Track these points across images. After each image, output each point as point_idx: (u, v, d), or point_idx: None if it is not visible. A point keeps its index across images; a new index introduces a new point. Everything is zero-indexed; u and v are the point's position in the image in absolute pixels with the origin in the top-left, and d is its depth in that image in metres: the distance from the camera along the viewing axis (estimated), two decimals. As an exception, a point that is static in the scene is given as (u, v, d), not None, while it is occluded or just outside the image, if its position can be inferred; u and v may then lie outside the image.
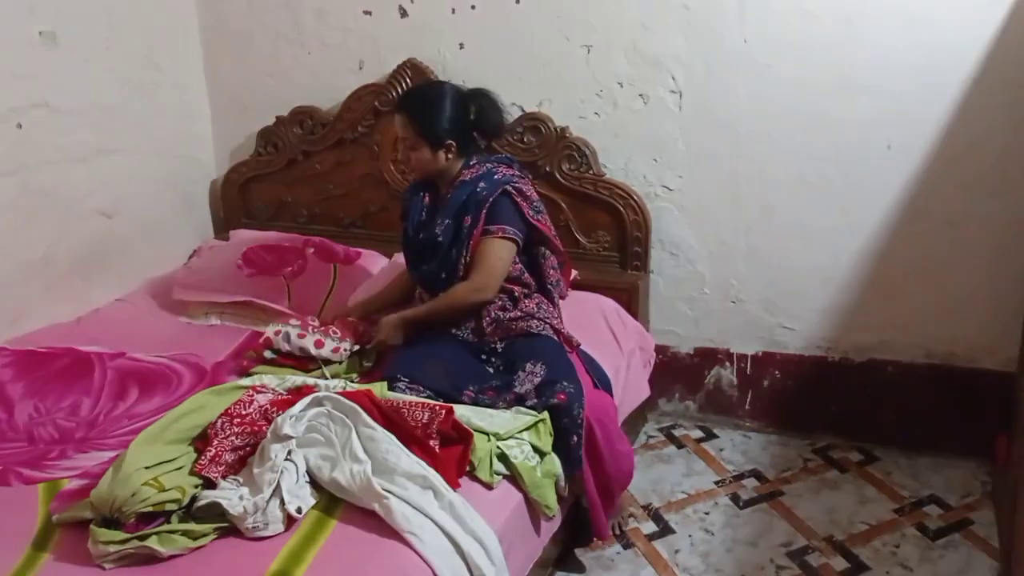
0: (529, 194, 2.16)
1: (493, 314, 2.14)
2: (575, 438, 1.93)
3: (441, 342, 2.13)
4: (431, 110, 2.09)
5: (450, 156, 2.13)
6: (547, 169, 2.71)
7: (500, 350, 2.12)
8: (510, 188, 2.11)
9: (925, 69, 2.38)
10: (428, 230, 2.15)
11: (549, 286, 2.24)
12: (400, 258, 2.53)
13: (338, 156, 2.97)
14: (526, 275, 2.20)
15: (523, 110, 2.75)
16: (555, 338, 2.15)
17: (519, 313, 2.15)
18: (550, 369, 2.01)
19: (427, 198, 2.21)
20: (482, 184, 2.11)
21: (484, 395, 2.01)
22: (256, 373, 2.13)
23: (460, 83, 2.74)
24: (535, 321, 2.14)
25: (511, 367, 2.06)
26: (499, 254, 2.10)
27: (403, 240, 2.25)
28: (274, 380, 1.97)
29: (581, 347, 2.21)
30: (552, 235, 2.21)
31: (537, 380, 2.00)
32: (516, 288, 2.18)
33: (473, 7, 2.73)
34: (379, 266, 2.76)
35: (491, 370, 2.10)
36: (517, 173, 2.18)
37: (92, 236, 2.70)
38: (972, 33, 2.32)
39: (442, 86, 2.21)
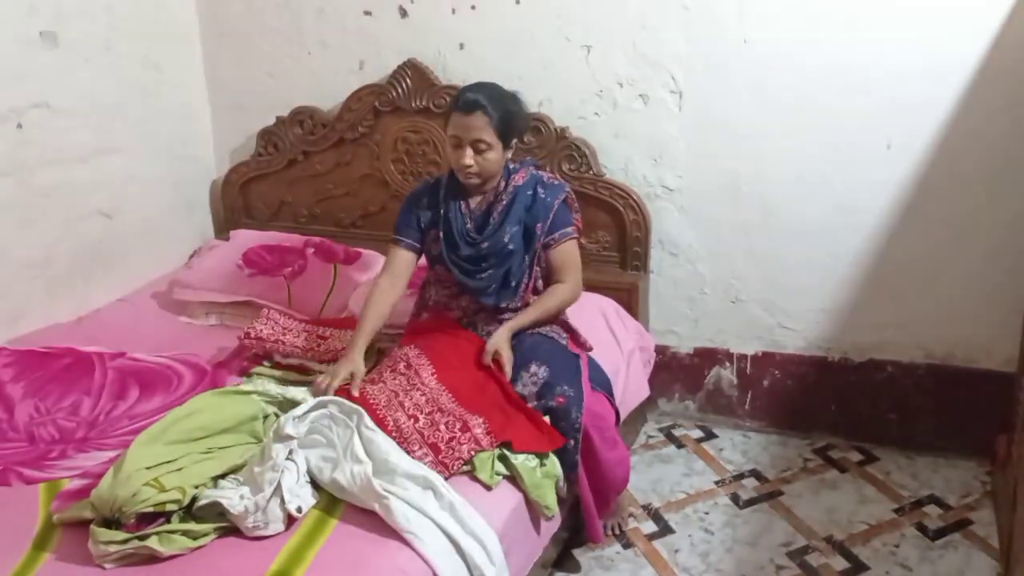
0: (575, 197, 2.23)
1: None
2: (572, 442, 1.94)
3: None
4: (508, 108, 2.06)
5: (510, 154, 2.13)
6: (547, 169, 2.71)
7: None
8: (568, 192, 2.18)
9: (925, 69, 2.38)
10: (493, 239, 2.09)
11: None
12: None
13: (338, 156, 2.97)
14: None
15: (523, 110, 2.76)
16: (563, 341, 2.16)
17: None
18: (553, 371, 2.02)
19: (464, 205, 2.13)
20: (540, 189, 2.13)
21: None
22: (256, 374, 2.14)
23: (460, 83, 2.77)
24: (549, 325, 2.17)
25: (515, 366, 2.06)
26: (577, 253, 2.17)
27: (446, 250, 2.12)
28: (275, 386, 1.97)
29: (591, 346, 2.23)
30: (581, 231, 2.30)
31: (539, 382, 2.01)
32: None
33: (473, 7, 2.73)
34: (379, 266, 2.76)
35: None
36: (554, 175, 2.27)
37: (92, 236, 2.70)
38: (972, 33, 2.32)
39: (497, 86, 2.14)
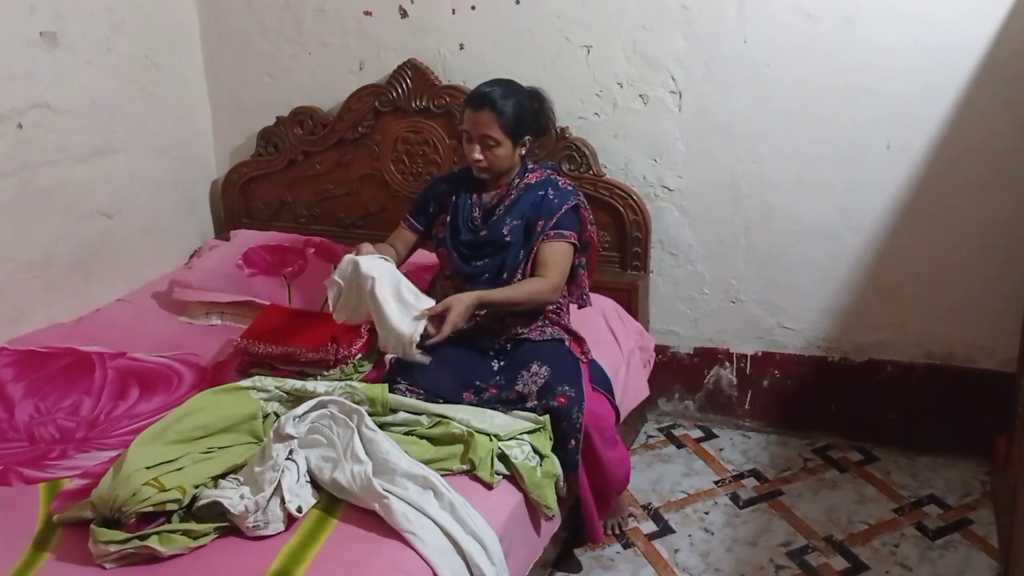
0: (588, 208, 2.21)
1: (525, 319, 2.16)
2: (573, 442, 1.94)
3: (446, 341, 2.12)
4: (520, 105, 2.09)
5: (522, 152, 2.15)
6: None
7: (508, 348, 2.13)
8: (581, 202, 2.17)
9: (925, 69, 2.38)
10: (492, 228, 2.14)
11: (584, 296, 2.29)
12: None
13: (338, 156, 2.97)
14: (570, 285, 2.25)
15: (523, 110, 2.75)
16: (566, 343, 2.16)
17: (543, 320, 2.17)
18: (554, 372, 2.02)
19: (475, 196, 2.19)
20: (551, 191, 2.15)
21: (486, 391, 2.02)
22: (255, 374, 2.14)
23: (460, 83, 2.77)
24: (552, 328, 2.17)
25: (516, 365, 2.07)
26: (567, 257, 2.15)
27: (450, 235, 2.18)
28: (273, 382, 1.97)
29: (592, 357, 2.22)
30: (598, 248, 2.30)
31: (540, 382, 2.00)
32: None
33: (473, 7, 2.73)
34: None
35: (495, 366, 2.11)
36: (571, 183, 2.26)
37: (92, 236, 2.70)
38: (972, 33, 2.32)
39: (510, 82, 2.18)
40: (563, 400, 1.95)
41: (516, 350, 2.12)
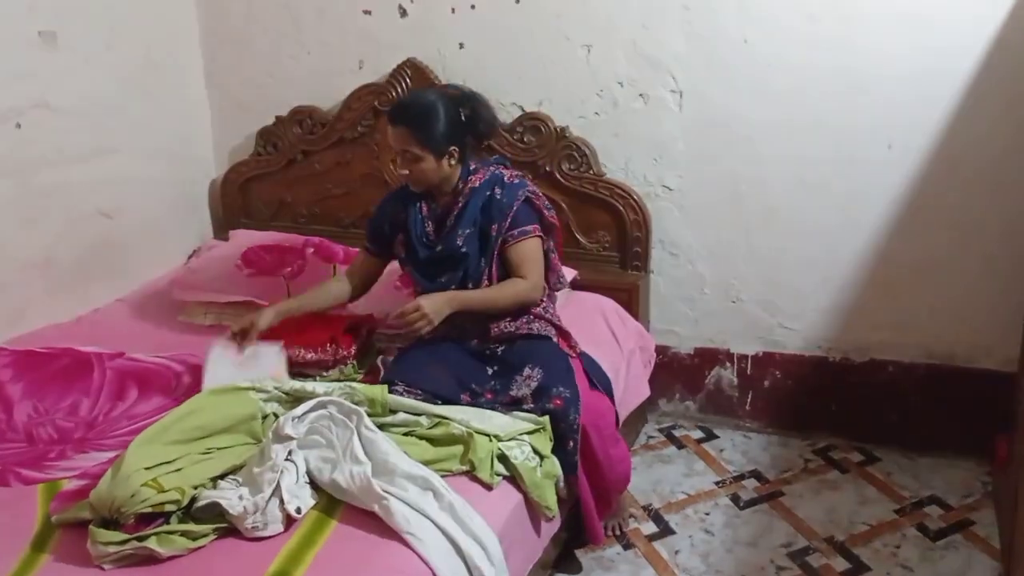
0: (541, 194, 2.18)
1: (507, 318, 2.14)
2: (571, 443, 1.93)
3: (440, 345, 2.12)
4: (430, 118, 2.02)
5: (452, 163, 2.07)
6: (547, 169, 2.71)
7: (500, 353, 2.12)
8: (530, 192, 2.13)
9: (925, 69, 2.38)
10: (446, 242, 2.09)
11: (560, 280, 2.27)
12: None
13: (338, 156, 2.97)
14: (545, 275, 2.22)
15: (523, 110, 2.75)
16: (555, 341, 2.15)
17: (527, 316, 2.15)
18: (547, 374, 2.01)
19: (424, 208, 2.14)
20: (498, 190, 2.10)
21: (482, 396, 2.01)
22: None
23: (461, 82, 2.76)
24: (538, 323, 2.14)
25: (509, 370, 2.05)
26: (538, 252, 2.13)
27: (407, 254, 2.16)
28: (272, 383, 1.97)
29: (581, 349, 2.21)
30: (560, 228, 2.26)
31: (534, 384, 2.00)
32: None
33: (473, 7, 2.73)
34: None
35: (489, 371, 2.10)
36: (519, 174, 2.19)
37: (92, 236, 2.70)
38: (972, 33, 2.32)
39: (430, 93, 2.15)
40: (559, 402, 1.94)
41: (507, 353, 2.10)
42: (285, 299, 2.27)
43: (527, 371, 2.02)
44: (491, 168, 2.15)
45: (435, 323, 1.99)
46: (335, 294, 2.23)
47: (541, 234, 2.13)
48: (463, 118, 2.08)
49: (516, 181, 2.13)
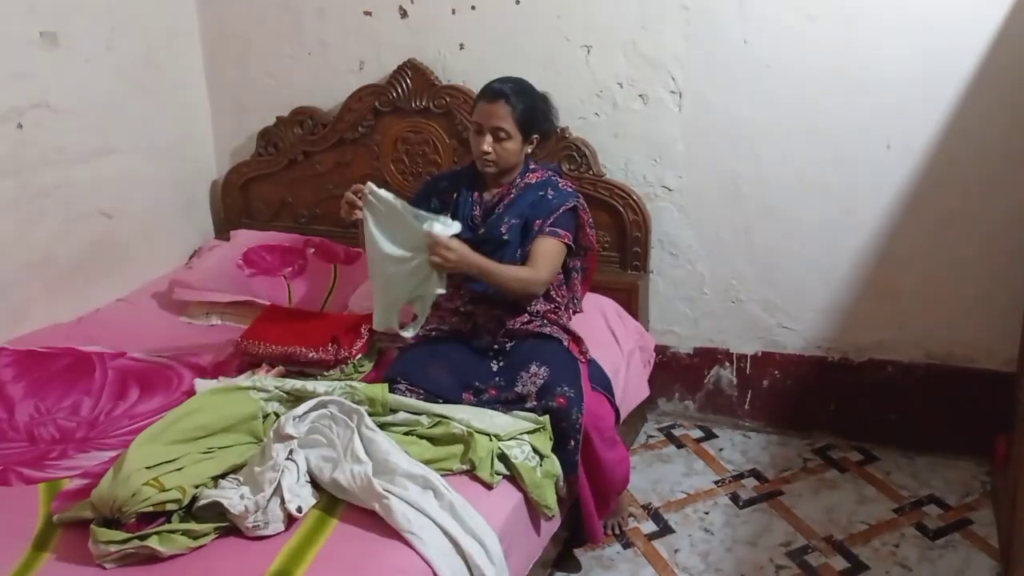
0: (588, 211, 2.23)
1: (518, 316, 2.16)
2: (572, 443, 1.94)
3: (442, 345, 2.13)
4: (532, 102, 2.12)
5: (528, 150, 2.16)
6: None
7: (508, 349, 2.13)
8: (580, 204, 2.18)
9: (924, 69, 2.38)
10: (491, 227, 2.14)
11: (575, 301, 2.30)
12: None
13: (338, 156, 2.97)
14: (563, 287, 2.26)
15: (523, 110, 2.76)
16: (566, 344, 2.16)
17: (542, 319, 2.17)
18: (553, 372, 2.02)
19: (476, 194, 2.19)
20: (551, 192, 2.16)
21: (486, 392, 2.02)
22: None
23: (461, 83, 2.77)
24: (551, 327, 2.17)
25: (515, 366, 2.07)
26: (558, 255, 2.14)
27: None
28: (273, 382, 1.97)
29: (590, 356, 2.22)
30: (597, 252, 2.31)
31: (539, 382, 2.00)
32: (553, 294, 2.22)
33: (473, 7, 2.73)
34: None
35: (495, 367, 2.10)
36: (572, 185, 2.26)
37: (92, 236, 2.70)
38: (972, 33, 2.32)
39: (526, 82, 2.19)
40: (563, 401, 1.95)
41: (515, 351, 2.12)
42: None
43: (533, 368, 2.03)
44: (548, 172, 2.22)
45: (449, 268, 1.95)
46: None
47: (570, 243, 2.16)
48: (546, 110, 2.17)
49: (569, 190, 2.20)
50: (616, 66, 2.65)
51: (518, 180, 2.18)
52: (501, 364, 2.11)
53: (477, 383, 2.04)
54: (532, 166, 2.22)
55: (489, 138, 2.08)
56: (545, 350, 2.10)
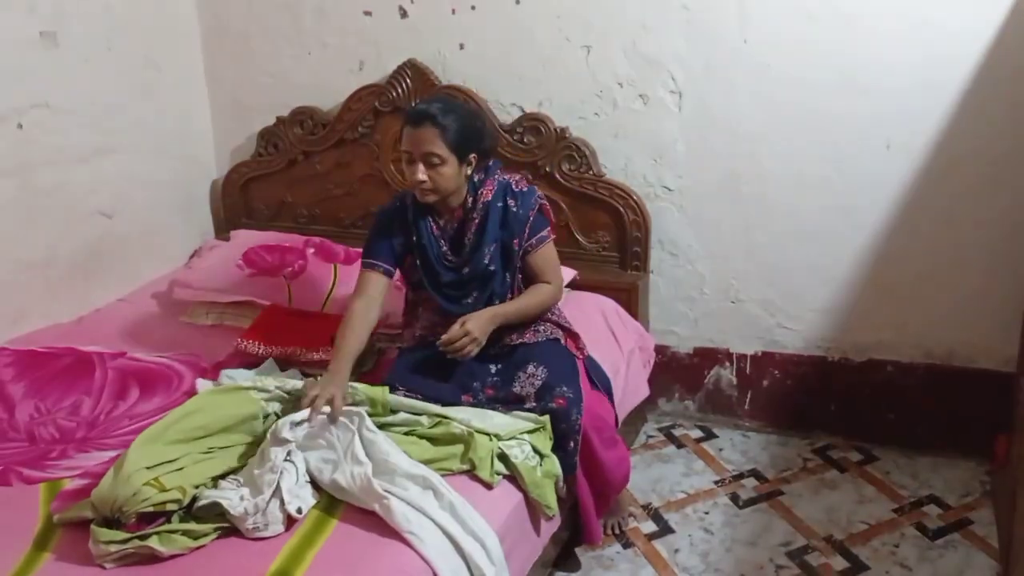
0: (544, 195, 2.16)
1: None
2: (572, 444, 1.93)
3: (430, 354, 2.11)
4: (463, 120, 1.97)
5: (468, 171, 2.01)
6: (547, 169, 2.72)
7: (506, 350, 2.11)
8: (540, 200, 2.10)
9: (924, 69, 2.38)
10: (473, 263, 2.03)
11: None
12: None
13: (338, 156, 2.97)
14: None
15: (523, 111, 2.75)
16: (561, 341, 2.15)
17: (535, 321, 2.16)
18: (551, 373, 2.01)
19: (434, 227, 2.06)
20: (511, 202, 2.05)
21: (483, 392, 2.02)
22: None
23: (461, 83, 2.77)
24: (545, 325, 2.15)
25: (513, 367, 2.06)
26: (555, 254, 2.14)
27: (428, 279, 2.06)
28: (274, 382, 1.97)
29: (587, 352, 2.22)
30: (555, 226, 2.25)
31: (538, 383, 2.00)
32: None
33: (473, 7, 2.73)
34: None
35: (492, 368, 2.10)
36: (520, 177, 2.17)
37: (92, 236, 2.70)
38: (972, 33, 2.32)
39: (452, 100, 2.11)
40: (562, 401, 1.94)
41: (513, 352, 2.10)
42: (332, 364, 1.93)
43: (531, 368, 2.03)
44: (495, 176, 2.08)
45: (482, 344, 1.95)
46: (370, 328, 2.03)
47: (553, 236, 2.14)
48: (478, 126, 2.04)
49: (525, 189, 2.09)
50: (616, 66, 2.65)
51: (471, 203, 2.04)
52: (499, 365, 2.10)
53: (475, 384, 2.03)
54: (478, 178, 2.05)
55: (422, 166, 1.93)
56: (543, 350, 2.09)
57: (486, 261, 2.03)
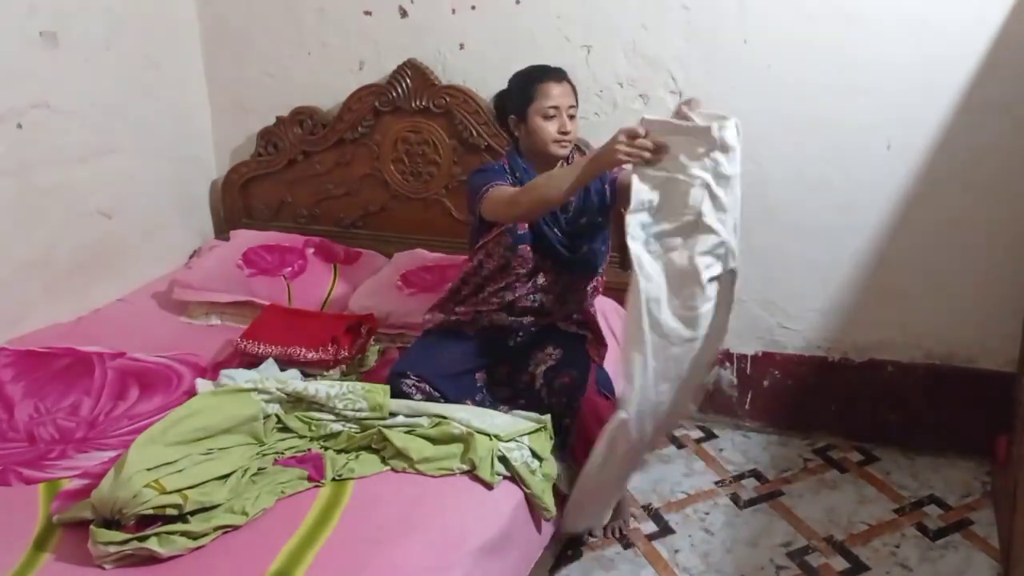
0: None
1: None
2: (566, 420, 1.97)
3: (449, 336, 2.13)
4: None
5: None
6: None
7: (533, 330, 2.15)
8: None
9: (925, 69, 2.38)
10: (584, 208, 2.07)
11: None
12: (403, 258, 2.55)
13: (338, 156, 2.97)
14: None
15: (523, 110, 2.75)
16: (587, 341, 2.18)
17: (578, 314, 2.20)
18: (565, 355, 2.06)
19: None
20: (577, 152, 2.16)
21: (497, 370, 2.08)
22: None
23: (461, 83, 2.77)
24: (581, 324, 2.20)
25: (530, 346, 2.11)
26: None
27: (547, 229, 2.06)
28: (275, 383, 1.98)
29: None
30: None
31: (550, 363, 2.04)
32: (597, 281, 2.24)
33: (473, 7, 2.73)
34: (380, 266, 2.77)
35: (511, 343, 2.13)
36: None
37: (92, 236, 2.70)
38: (972, 33, 2.32)
39: None
40: (567, 380, 1.99)
41: (538, 332, 2.14)
42: (573, 167, 1.92)
43: (549, 348, 2.08)
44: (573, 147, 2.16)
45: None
46: None
47: None
48: None
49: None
50: (616, 66, 2.65)
51: (562, 157, 2.07)
52: (518, 341, 2.13)
53: (487, 360, 2.08)
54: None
55: (567, 118, 2.04)
56: (566, 338, 2.14)
57: (595, 200, 2.07)
